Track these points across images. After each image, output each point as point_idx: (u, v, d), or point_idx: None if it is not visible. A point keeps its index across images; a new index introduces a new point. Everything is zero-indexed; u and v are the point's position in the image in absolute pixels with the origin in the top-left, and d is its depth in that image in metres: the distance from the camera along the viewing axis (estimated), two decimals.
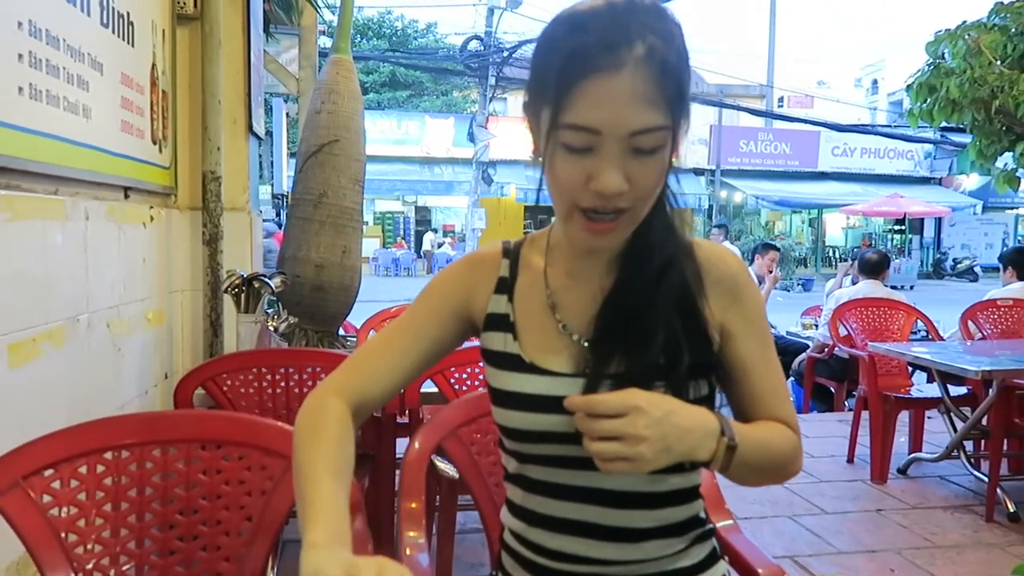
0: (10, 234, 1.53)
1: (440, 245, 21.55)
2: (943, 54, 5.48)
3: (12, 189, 1.54)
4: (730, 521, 1.32)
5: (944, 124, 5.87)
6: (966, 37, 5.30)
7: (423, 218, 24.17)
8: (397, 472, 1.72)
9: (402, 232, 23.49)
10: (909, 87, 5.69)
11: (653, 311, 0.95)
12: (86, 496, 1.13)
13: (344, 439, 0.96)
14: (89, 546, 1.09)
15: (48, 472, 1.10)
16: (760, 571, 1.19)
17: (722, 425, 0.90)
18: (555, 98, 0.86)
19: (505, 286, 1.05)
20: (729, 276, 1.02)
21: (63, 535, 1.08)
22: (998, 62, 5.17)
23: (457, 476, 1.79)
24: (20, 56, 1.51)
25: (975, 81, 5.17)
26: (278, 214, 13.95)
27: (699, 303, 0.98)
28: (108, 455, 1.15)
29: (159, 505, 1.17)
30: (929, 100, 5.46)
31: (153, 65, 2.35)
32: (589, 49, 0.84)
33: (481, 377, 2.19)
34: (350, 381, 1.02)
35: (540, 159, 0.93)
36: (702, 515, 1.08)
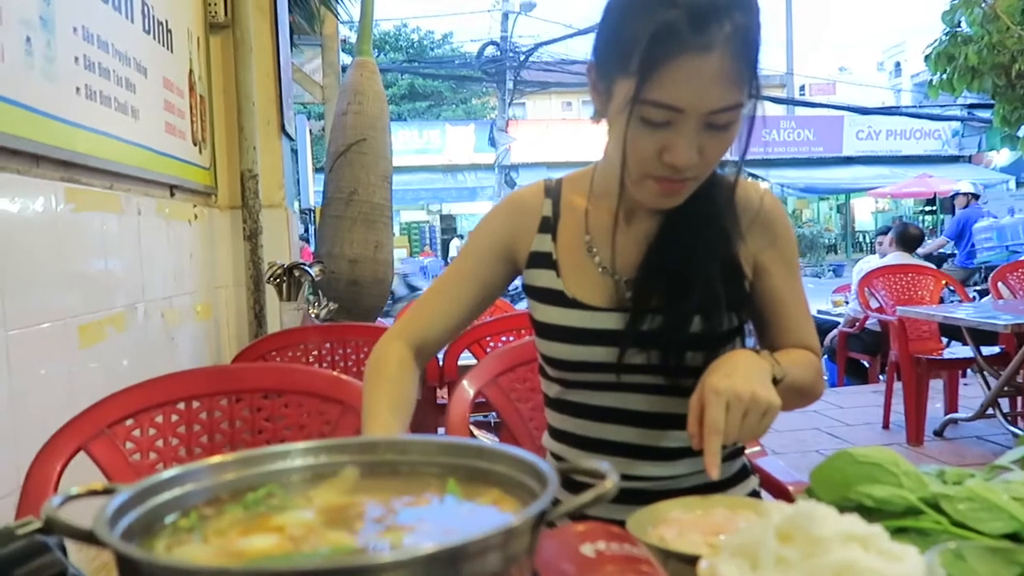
0: (75, 224, 1.65)
1: None
2: (959, 22, 5.47)
3: (74, 183, 1.66)
4: (758, 447, 1.39)
5: (967, 95, 5.84)
6: (982, 4, 5.29)
7: (448, 226, 24.32)
8: None
9: (428, 241, 23.66)
10: (927, 58, 5.68)
11: (695, 253, 1.02)
12: (163, 443, 1.24)
13: (403, 378, 1.06)
14: None
15: (129, 421, 1.21)
16: (790, 488, 1.25)
17: (770, 364, 0.96)
18: (639, 72, 0.87)
19: (548, 225, 1.12)
20: (766, 216, 1.08)
21: None
22: (1016, 26, 5.15)
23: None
24: (76, 59, 1.64)
25: (993, 47, 5.15)
26: (306, 229, 14.19)
27: (735, 242, 1.05)
28: (180, 405, 1.26)
29: (228, 450, 1.28)
30: (948, 69, 5.45)
31: (190, 70, 2.49)
32: (678, 25, 0.84)
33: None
34: (409, 327, 1.11)
35: (604, 120, 0.98)
36: None
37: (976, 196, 8.52)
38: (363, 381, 1.06)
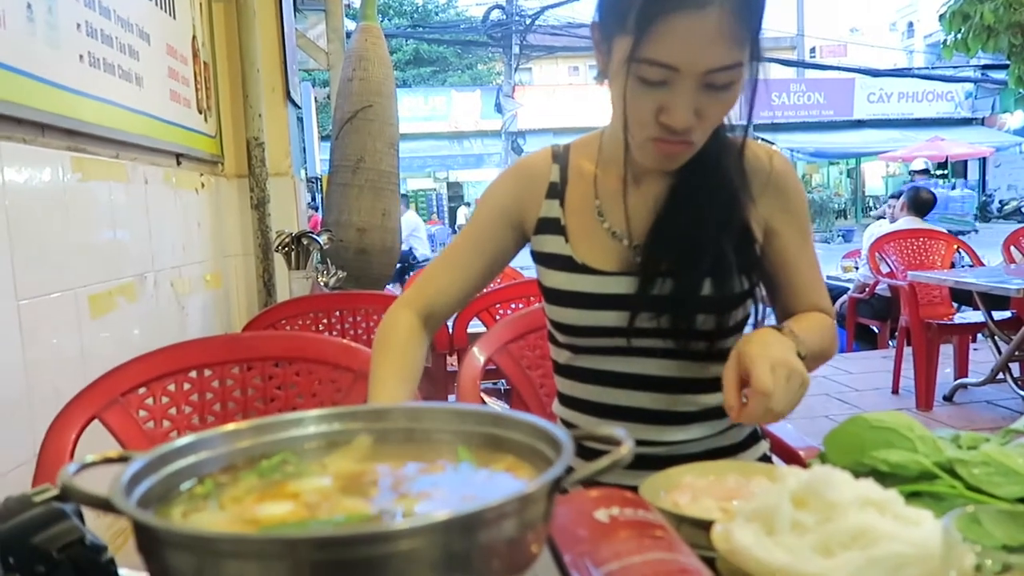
0: (82, 193, 1.65)
1: None
2: None
3: (80, 152, 1.65)
4: None
5: (981, 56, 5.74)
6: None
7: (455, 194, 24.23)
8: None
9: (435, 209, 23.61)
10: (942, 17, 5.57)
11: (704, 214, 1.01)
12: (176, 411, 1.25)
13: (411, 346, 1.06)
14: None
15: (142, 390, 1.22)
16: (801, 453, 1.26)
17: (793, 341, 0.94)
18: (635, 30, 0.87)
19: (556, 191, 1.11)
20: (776, 178, 1.07)
21: None
22: None
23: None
24: (78, 25, 1.62)
25: (1010, 4, 5.05)
26: (313, 198, 14.15)
27: (745, 204, 1.04)
28: (192, 374, 1.26)
29: (241, 418, 1.28)
30: (963, 29, 5.35)
31: (194, 37, 2.46)
32: None
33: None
34: (418, 295, 1.11)
35: (605, 80, 0.97)
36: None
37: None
38: (372, 349, 1.06)
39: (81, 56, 1.63)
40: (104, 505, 0.46)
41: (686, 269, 1.01)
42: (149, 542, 0.43)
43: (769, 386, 0.82)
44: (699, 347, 1.04)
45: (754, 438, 1.17)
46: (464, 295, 1.13)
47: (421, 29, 21.35)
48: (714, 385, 1.09)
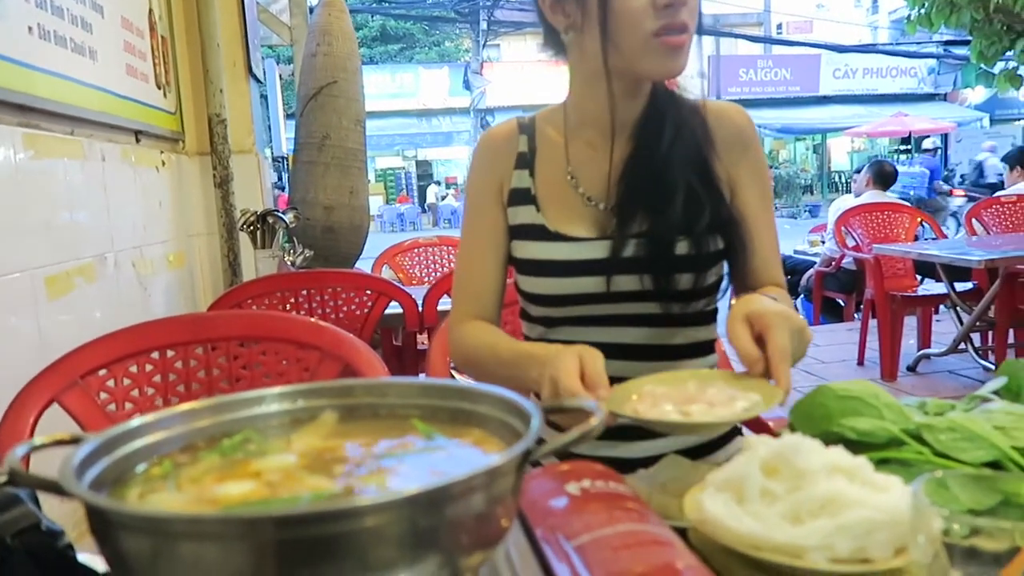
0: (35, 171, 1.59)
1: (444, 197, 21.51)
2: None
3: (32, 128, 1.60)
4: None
5: (943, 31, 5.80)
6: None
7: (424, 172, 24.04)
8: None
9: (404, 188, 23.42)
10: None
11: (671, 171, 1.01)
12: (139, 393, 1.22)
13: (490, 331, 1.08)
14: None
15: (102, 372, 1.19)
16: (771, 423, 1.27)
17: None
18: None
19: (525, 161, 1.10)
20: (737, 131, 1.09)
21: None
22: None
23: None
24: None
25: None
26: (280, 177, 13.94)
27: (711, 161, 1.05)
28: (155, 355, 1.23)
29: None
30: (926, 4, 5.39)
31: (150, 9, 2.38)
32: None
33: None
34: (465, 307, 1.12)
35: (577, 31, 0.99)
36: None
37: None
38: (463, 367, 1.09)
39: (30, 28, 1.57)
40: (54, 488, 0.44)
41: (659, 227, 1.01)
42: (102, 525, 0.41)
43: (786, 349, 0.80)
44: (675, 310, 1.04)
45: None
46: (500, 283, 1.13)
47: (387, 4, 21.02)
48: (690, 350, 1.10)
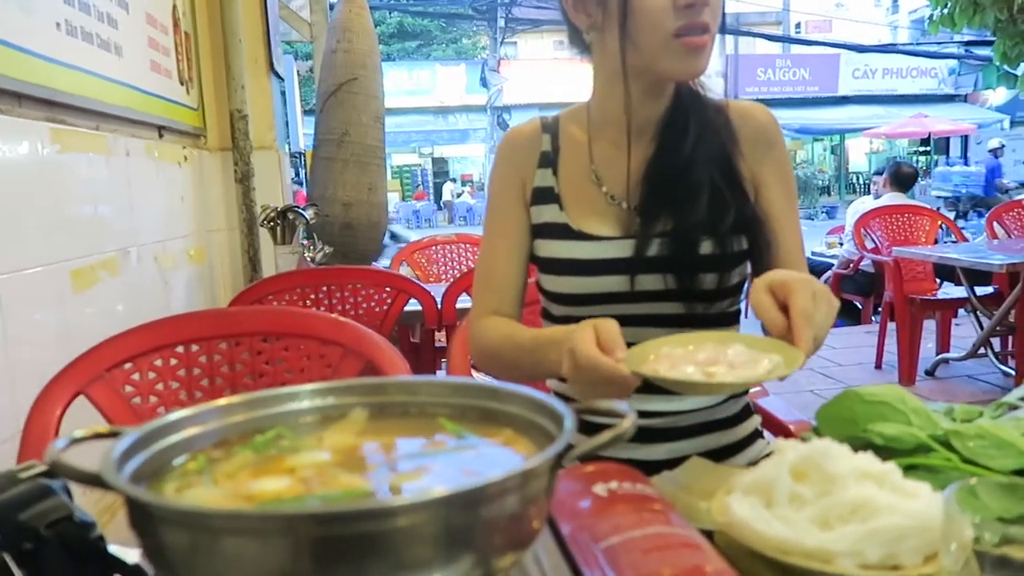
0: (61, 166, 1.61)
1: (459, 195, 21.54)
2: None
3: (58, 123, 1.61)
4: (759, 387, 1.39)
5: (965, 32, 5.74)
6: None
7: (440, 169, 24.09)
8: None
9: (420, 185, 23.47)
10: None
11: (695, 170, 1.01)
12: (163, 387, 1.23)
13: (512, 324, 1.08)
14: None
15: (128, 365, 1.20)
16: (792, 427, 1.26)
17: None
18: None
19: (548, 160, 1.11)
20: (761, 129, 1.08)
21: None
22: None
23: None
24: None
25: None
26: (297, 173, 14.00)
27: (735, 160, 1.05)
28: (179, 349, 1.25)
29: (230, 394, 1.27)
30: (949, 3, 5.33)
31: (174, 6, 2.40)
32: None
33: None
34: (485, 303, 1.12)
35: (599, 31, 1.00)
36: None
37: None
38: (483, 364, 1.09)
39: (58, 24, 1.58)
40: (94, 481, 0.45)
41: (683, 227, 1.01)
42: (142, 519, 0.42)
43: (809, 311, 0.78)
44: (699, 310, 1.03)
45: (746, 413, 1.17)
46: (522, 280, 1.13)
47: (405, 1, 21.05)
48: None
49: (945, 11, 5.43)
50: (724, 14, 0.99)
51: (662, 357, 0.76)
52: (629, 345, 1.07)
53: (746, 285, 1.08)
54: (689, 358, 0.74)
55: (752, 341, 0.78)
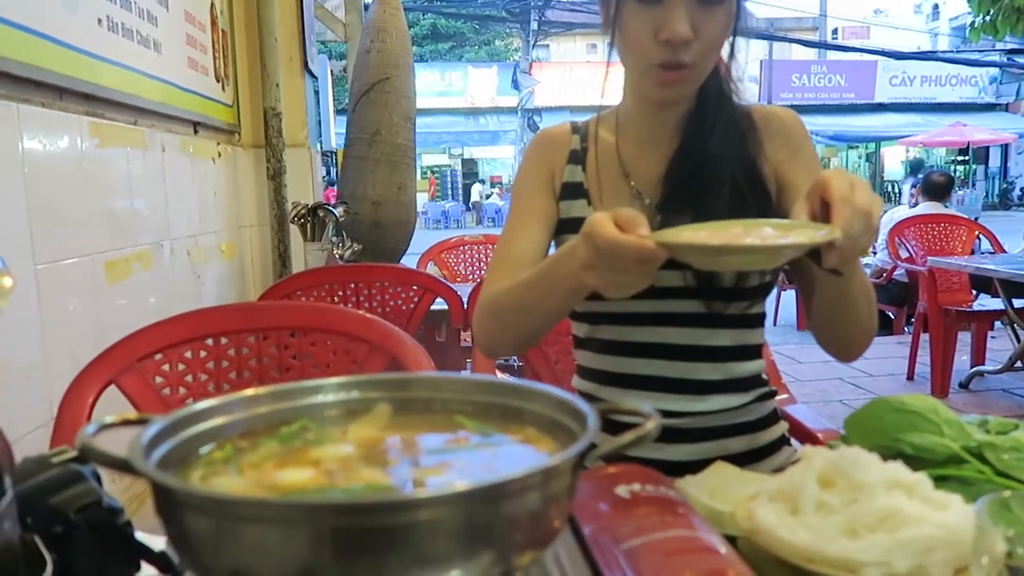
0: (100, 159, 1.64)
1: (488, 196, 21.59)
2: None
3: (98, 117, 1.65)
4: (787, 395, 1.38)
5: (1008, 39, 5.62)
6: None
7: (470, 170, 24.17)
8: None
9: (450, 185, 23.56)
10: None
11: (716, 166, 1.01)
12: (192, 378, 1.25)
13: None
14: None
15: (158, 356, 1.22)
16: (819, 434, 1.24)
17: None
18: None
19: (577, 157, 1.12)
20: (784, 130, 1.08)
21: None
22: None
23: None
24: None
25: None
26: (328, 172, 14.14)
27: (758, 160, 1.04)
28: (209, 341, 1.26)
29: (257, 387, 1.28)
30: (992, 10, 5.23)
31: (212, 4, 2.44)
32: None
33: None
34: (499, 273, 1.10)
35: (610, 29, 1.00)
36: (764, 376, 1.14)
37: None
38: (489, 324, 1.05)
39: (99, 20, 1.62)
40: (123, 466, 0.45)
41: (704, 212, 1.00)
42: (168, 505, 0.42)
43: (846, 193, 0.74)
44: (718, 308, 1.03)
45: (773, 418, 1.16)
46: (537, 257, 1.11)
47: (439, 3, 21.15)
48: (735, 353, 1.08)
49: (987, 18, 5.33)
50: (740, 16, 0.99)
51: (685, 237, 0.72)
52: (644, 345, 1.07)
53: (770, 289, 1.08)
54: (715, 237, 0.70)
55: (781, 225, 0.74)
